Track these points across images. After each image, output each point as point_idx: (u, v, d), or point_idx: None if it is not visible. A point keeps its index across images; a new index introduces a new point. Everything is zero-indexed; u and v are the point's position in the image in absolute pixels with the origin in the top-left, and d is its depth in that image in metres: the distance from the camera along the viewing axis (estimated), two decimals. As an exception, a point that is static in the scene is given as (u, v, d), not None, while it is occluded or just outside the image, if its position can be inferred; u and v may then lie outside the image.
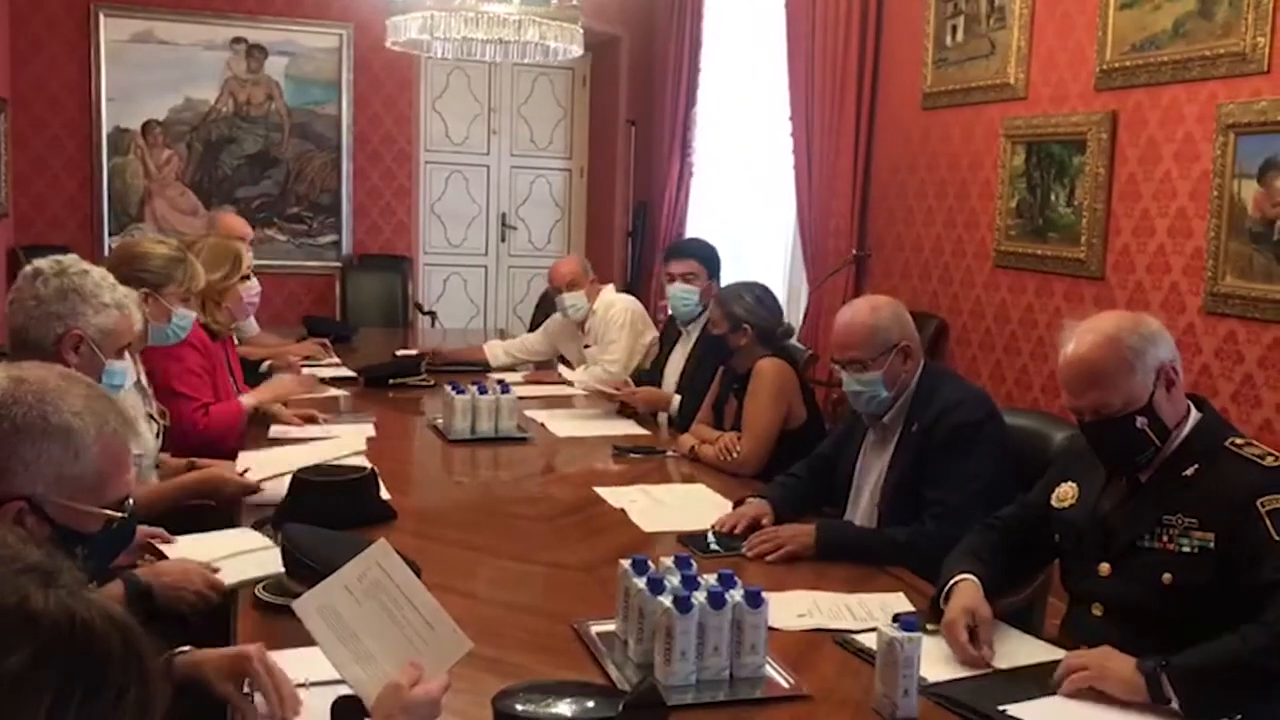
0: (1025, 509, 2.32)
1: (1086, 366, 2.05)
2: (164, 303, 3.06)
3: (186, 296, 3.13)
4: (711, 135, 7.29)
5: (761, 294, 3.51)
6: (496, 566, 2.52)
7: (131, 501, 1.63)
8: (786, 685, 1.88)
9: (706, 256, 4.16)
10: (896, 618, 1.84)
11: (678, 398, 3.88)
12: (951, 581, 2.13)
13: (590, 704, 1.61)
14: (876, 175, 5.68)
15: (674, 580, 1.94)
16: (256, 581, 2.24)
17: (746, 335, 3.44)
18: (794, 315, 5.98)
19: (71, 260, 2.42)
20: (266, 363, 4.23)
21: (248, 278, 3.67)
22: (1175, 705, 1.79)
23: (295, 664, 1.75)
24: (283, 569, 2.22)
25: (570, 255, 5.04)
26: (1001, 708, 1.80)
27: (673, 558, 2.05)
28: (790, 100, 6.04)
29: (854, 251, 5.69)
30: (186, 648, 1.68)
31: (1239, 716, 1.80)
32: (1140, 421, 2.02)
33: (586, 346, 4.64)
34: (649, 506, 2.88)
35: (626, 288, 6.75)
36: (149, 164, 7.13)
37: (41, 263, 2.42)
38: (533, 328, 6.10)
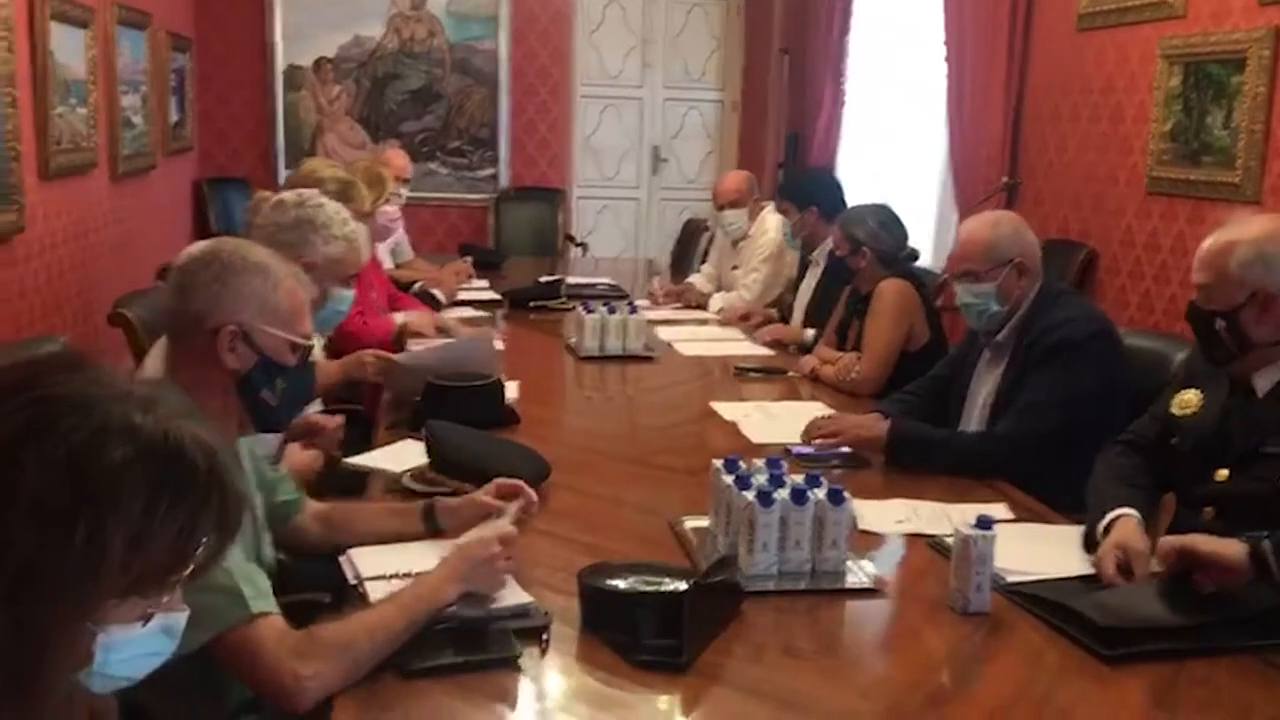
0: (1155, 420, 2.30)
1: (1202, 251, 2.10)
2: None
3: (357, 216, 3.34)
4: (865, 63, 7.19)
5: (886, 218, 3.53)
6: (610, 468, 2.66)
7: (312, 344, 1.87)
8: (864, 579, 1.97)
9: (794, 190, 4.19)
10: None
11: (810, 331, 3.91)
12: (1110, 517, 2.07)
13: (664, 580, 1.73)
14: (1030, 100, 5.53)
15: (761, 479, 2.03)
16: None
17: (865, 258, 3.47)
18: (944, 244, 5.91)
19: (311, 194, 2.68)
20: (418, 284, 4.46)
21: (389, 202, 3.87)
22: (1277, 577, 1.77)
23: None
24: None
25: (736, 171, 5.06)
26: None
27: (764, 460, 2.14)
28: (944, 23, 5.91)
29: (1004, 179, 5.57)
30: None
31: None
32: (1219, 323, 2.05)
33: (734, 268, 4.71)
34: (762, 420, 2.96)
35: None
36: (320, 100, 7.49)
37: (286, 194, 2.67)
38: (674, 262, 6.20)
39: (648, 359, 3.68)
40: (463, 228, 7.60)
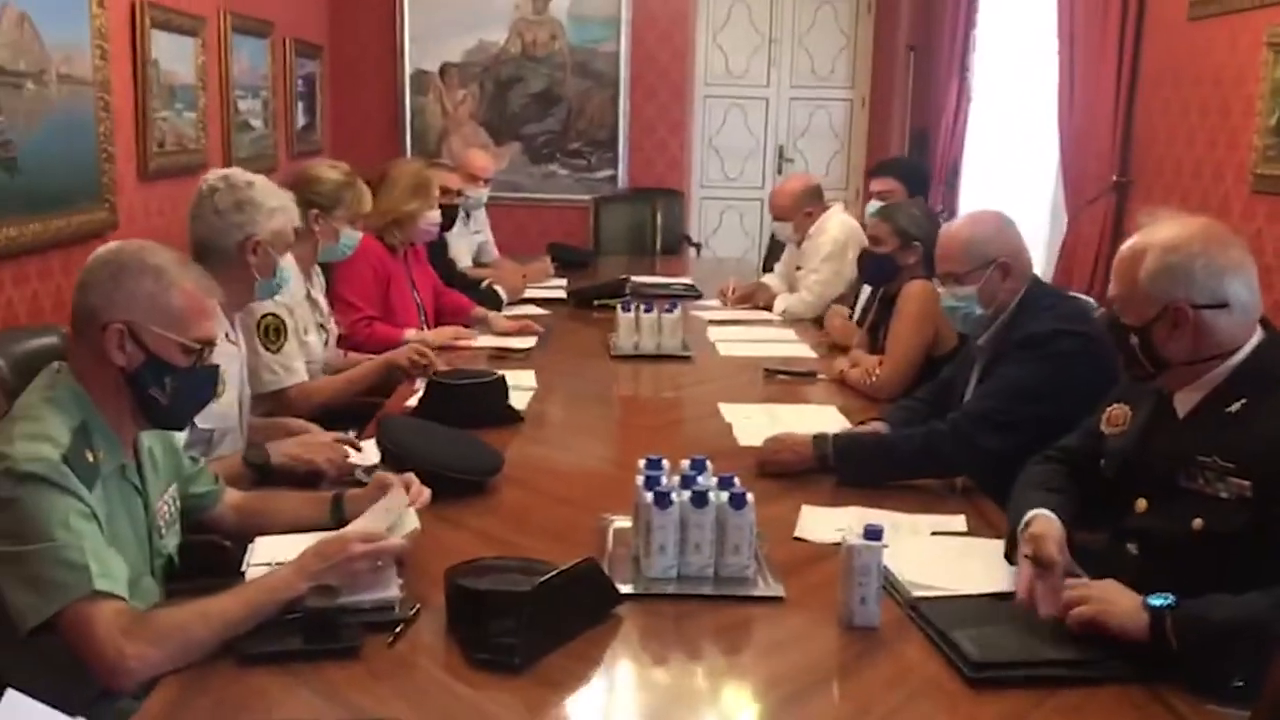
0: (1087, 436, 2.13)
1: (1116, 262, 1.94)
2: (333, 224, 3.37)
3: (353, 218, 3.42)
4: (990, 58, 6.93)
5: (926, 211, 3.40)
6: (580, 467, 2.65)
7: (211, 348, 1.91)
8: (762, 587, 1.90)
9: (907, 174, 4.04)
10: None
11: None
12: (1026, 518, 1.95)
13: (531, 579, 1.71)
14: (1142, 94, 5.21)
15: (673, 480, 1.99)
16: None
17: (916, 253, 3.34)
18: (1055, 246, 5.65)
19: (236, 173, 2.73)
20: (486, 282, 4.55)
21: (433, 208, 3.94)
22: (1175, 648, 1.63)
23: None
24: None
25: (792, 179, 4.93)
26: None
27: (691, 460, 2.09)
28: (1057, 14, 5.63)
29: (1114, 178, 5.27)
30: None
31: (1240, 683, 1.62)
32: (1132, 339, 1.88)
33: (798, 268, 4.62)
34: (762, 424, 2.88)
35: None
36: (445, 104, 7.70)
37: (212, 180, 2.72)
38: (764, 262, 6.09)
39: (684, 359, 3.65)
40: (579, 228, 7.67)
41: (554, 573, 1.71)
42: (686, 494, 1.92)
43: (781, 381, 3.40)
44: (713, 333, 4.03)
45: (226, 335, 2.57)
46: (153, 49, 4.57)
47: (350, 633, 1.67)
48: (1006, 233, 2.59)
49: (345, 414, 3.07)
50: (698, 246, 7.61)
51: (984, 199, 7.07)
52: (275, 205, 2.68)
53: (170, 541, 1.93)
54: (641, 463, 2.07)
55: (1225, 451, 1.77)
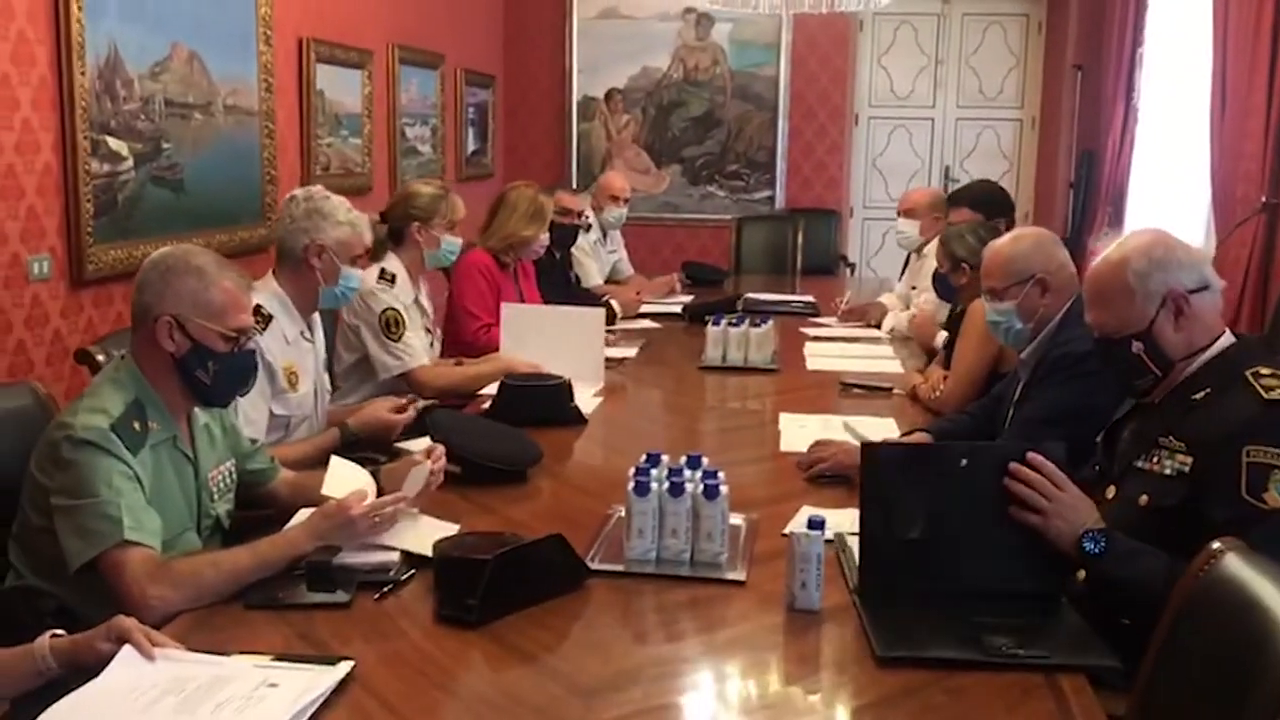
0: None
1: (1091, 284, 2.07)
2: (433, 232, 3.68)
3: (451, 225, 3.71)
4: (1156, 78, 6.72)
5: (987, 234, 3.43)
6: (617, 464, 2.78)
7: (248, 336, 2.20)
8: (729, 572, 2.05)
9: (978, 202, 4.06)
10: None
11: (944, 334, 3.85)
12: None
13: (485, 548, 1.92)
14: (1296, 111, 4.99)
15: (659, 472, 2.16)
16: None
17: (965, 275, 3.40)
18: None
19: (318, 189, 3.05)
20: (605, 297, 4.79)
21: (545, 231, 4.20)
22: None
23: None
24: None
25: (927, 187, 5.03)
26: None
27: (687, 456, 2.25)
28: (1212, 30, 5.46)
29: (1263, 199, 5.06)
30: (60, 631, 1.73)
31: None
32: (1136, 346, 1.98)
33: (913, 287, 4.67)
34: (814, 431, 2.99)
35: (1066, 243, 6.45)
36: (610, 128, 8.04)
37: (297, 191, 3.07)
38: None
39: (769, 371, 3.77)
40: (723, 249, 7.82)
41: (518, 544, 1.91)
42: (664, 484, 2.09)
43: (855, 395, 3.49)
44: (809, 348, 4.13)
45: (303, 334, 2.89)
46: (318, 81, 5.05)
47: (347, 587, 1.92)
48: (1047, 250, 2.65)
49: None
50: (852, 266, 7.66)
51: (1148, 221, 6.87)
52: (344, 219, 2.96)
53: (221, 506, 2.24)
54: (642, 457, 2.24)
55: (1180, 431, 1.90)
